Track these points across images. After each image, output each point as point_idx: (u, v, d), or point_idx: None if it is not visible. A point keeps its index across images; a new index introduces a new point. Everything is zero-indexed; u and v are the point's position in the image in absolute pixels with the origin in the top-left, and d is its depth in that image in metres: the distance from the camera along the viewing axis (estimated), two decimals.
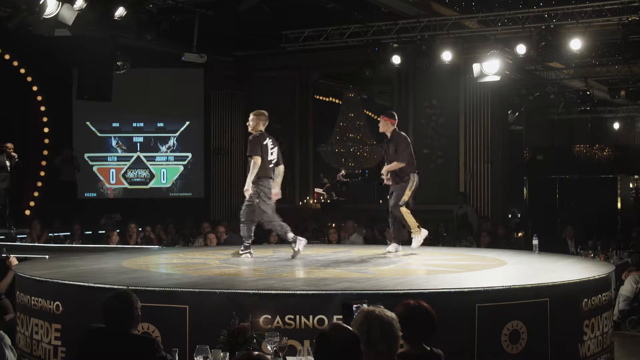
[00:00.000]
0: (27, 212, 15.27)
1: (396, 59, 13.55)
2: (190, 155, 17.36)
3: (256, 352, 3.37)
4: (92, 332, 4.42)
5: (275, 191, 8.21)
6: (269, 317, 5.30)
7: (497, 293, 5.64)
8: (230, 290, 5.59)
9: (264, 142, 8.11)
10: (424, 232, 8.46)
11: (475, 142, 15.18)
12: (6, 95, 14.80)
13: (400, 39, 13.69)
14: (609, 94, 18.72)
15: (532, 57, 13.39)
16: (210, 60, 14.43)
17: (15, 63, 15.39)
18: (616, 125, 24.00)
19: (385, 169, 8.50)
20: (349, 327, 3.42)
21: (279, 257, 8.36)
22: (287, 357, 4.45)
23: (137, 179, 17.23)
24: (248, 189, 8.03)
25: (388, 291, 5.62)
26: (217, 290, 5.57)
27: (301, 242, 8.09)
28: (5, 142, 12.95)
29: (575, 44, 12.18)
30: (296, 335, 5.13)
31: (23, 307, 6.47)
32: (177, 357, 4.48)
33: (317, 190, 17.72)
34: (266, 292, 5.58)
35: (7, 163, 12.81)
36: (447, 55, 13.01)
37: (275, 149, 8.25)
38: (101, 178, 17.05)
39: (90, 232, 13.50)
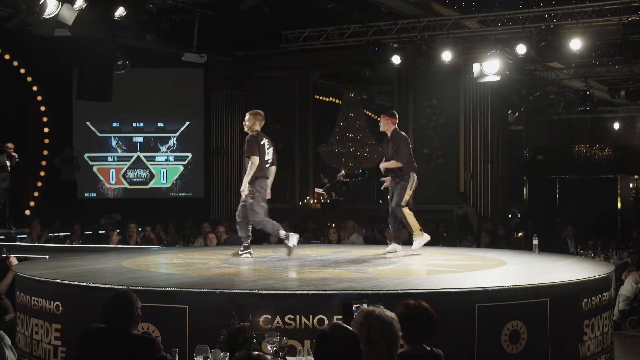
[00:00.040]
0: (27, 212, 15.27)
1: (396, 59, 13.55)
2: (190, 155, 17.36)
3: (256, 352, 3.37)
4: (92, 332, 4.42)
5: (267, 191, 8.21)
6: (269, 317, 5.30)
7: (497, 293, 5.64)
8: (230, 290, 5.60)
9: (261, 142, 8.13)
10: (426, 237, 8.42)
11: (475, 142, 15.18)
12: (6, 95, 14.81)
13: (400, 39, 13.69)
14: (609, 94, 18.72)
15: (532, 57, 13.39)
16: (210, 60, 14.44)
17: (15, 63, 15.40)
18: (616, 125, 24.00)
19: (383, 165, 8.51)
20: (349, 327, 3.42)
21: (279, 257, 8.36)
22: (287, 357, 4.45)
23: (137, 179, 17.23)
24: (244, 189, 8.03)
25: (388, 291, 5.62)
26: (217, 290, 5.57)
27: (294, 237, 8.12)
28: (5, 142, 12.95)
29: (575, 44, 12.18)
30: (296, 335, 5.13)
31: (23, 307, 6.47)
32: (177, 357, 4.48)
33: (317, 190, 17.72)
34: (266, 292, 5.58)
35: (8, 163, 12.81)
36: (447, 55, 13.01)
37: (271, 149, 8.27)
38: (101, 178, 17.06)
39: (90, 232, 13.50)
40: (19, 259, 7.83)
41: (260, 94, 16.90)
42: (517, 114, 18.77)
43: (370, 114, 19.98)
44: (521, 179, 21.18)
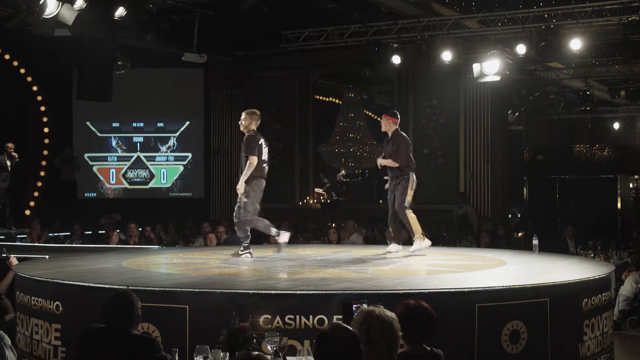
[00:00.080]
0: (27, 212, 15.27)
1: (396, 59, 13.55)
2: (190, 155, 17.36)
3: (256, 352, 3.37)
4: (92, 332, 4.42)
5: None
6: (269, 317, 5.30)
7: (497, 293, 5.64)
8: (230, 290, 5.59)
9: (260, 142, 8.13)
10: (427, 242, 8.39)
11: (475, 142, 15.18)
12: (6, 95, 14.80)
13: (400, 39, 13.69)
14: (609, 94, 18.72)
15: (532, 57, 13.38)
16: (210, 60, 14.43)
17: (15, 63, 15.40)
18: (616, 125, 23.99)
19: (380, 160, 8.51)
20: (349, 327, 3.42)
21: (279, 257, 8.36)
22: (287, 357, 4.45)
23: (137, 179, 17.23)
24: (240, 188, 8.03)
25: (388, 291, 5.62)
26: (217, 290, 5.57)
27: (285, 234, 8.18)
28: (5, 142, 12.95)
29: (575, 44, 12.18)
30: (296, 335, 5.13)
31: (23, 307, 6.47)
32: (177, 357, 4.48)
33: (317, 190, 17.72)
34: (266, 292, 5.58)
35: (8, 163, 12.82)
36: (447, 55, 13.01)
37: (266, 149, 8.28)
38: (101, 178, 17.06)
39: (90, 232, 13.50)
40: (19, 259, 7.83)
41: (260, 94, 16.90)
42: (517, 114, 18.77)
43: (370, 114, 19.97)
44: (521, 179, 21.18)
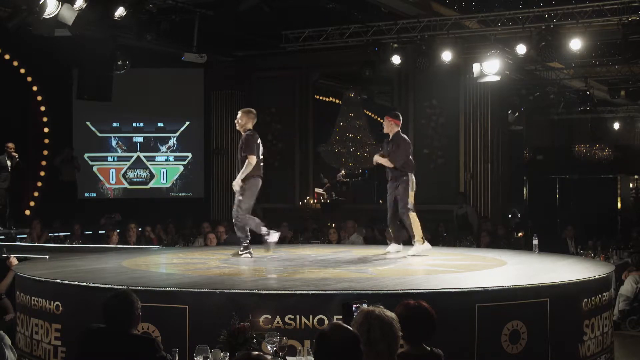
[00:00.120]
0: (27, 212, 15.27)
1: (396, 59, 13.55)
2: (190, 155, 17.37)
3: (256, 352, 3.37)
4: (92, 332, 4.42)
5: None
6: (269, 317, 5.30)
7: (497, 293, 5.64)
8: (230, 290, 5.59)
9: (257, 142, 8.14)
10: (427, 246, 8.38)
11: (475, 142, 15.18)
12: (6, 95, 14.80)
13: (400, 39, 13.69)
14: (609, 94, 18.72)
15: (532, 57, 13.39)
16: (210, 60, 14.43)
17: (15, 63, 15.40)
18: (616, 125, 24.00)
19: (376, 158, 8.51)
20: (349, 327, 3.42)
21: (279, 257, 8.36)
22: (287, 357, 4.45)
23: (137, 179, 17.23)
24: (236, 185, 8.03)
25: (388, 291, 5.61)
26: (217, 290, 5.57)
27: (275, 235, 8.18)
28: (5, 142, 12.95)
29: (575, 44, 12.18)
30: (296, 335, 5.12)
31: (23, 307, 6.47)
32: (177, 357, 4.48)
33: (317, 190, 17.72)
34: (266, 292, 5.58)
35: (8, 163, 12.81)
36: (447, 55, 13.01)
37: (262, 148, 8.29)
38: (101, 178, 17.06)
39: (90, 232, 13.51)
40: (19, 259, 7.83)
41: (260, 94, 16.90)
42: (517, 114, 18.77)
43: (370, 114, 19.98)
44: (521, 179, 21.18)
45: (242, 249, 8.16)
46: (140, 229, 12.26)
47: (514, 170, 17.82)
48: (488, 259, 8.20)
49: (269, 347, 4.38)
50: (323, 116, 18.04)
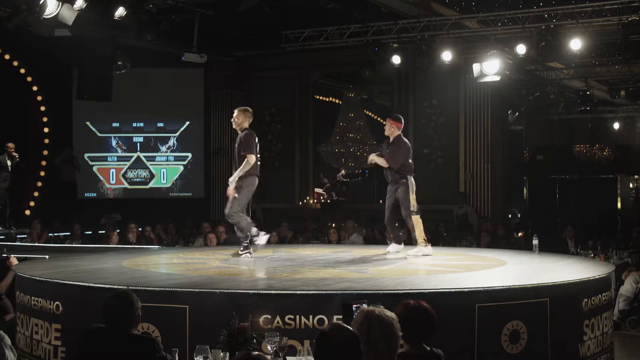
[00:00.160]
0: (27, 212, 15.27)
1: (396, 59, 13.54)
2: (190, 155, 17.36)
3: (256, 352, 3.37)
4: (92, 332, 4.42)
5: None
6: (269, 317, 5.30)
7: (497, 293, 5.64)
8: (230, 290, 5.59)
9: (256, 141, 8.15)
10: (429, 250, 8.37)
11: (475, 142, 15.18)
12: (6, 95, 14.80)
13: (400, 39, 13.69)
14: (609, 94, 18.72)
15: (532, 57, 13.38)
16: (210, 60, 14.43)
17: (15, 63, 15.40)
18: (616, 125, 24.00)
19: (372, 157, 8.51)
20: (349, 327, 3.42)
21: (279, 257, 8.37)
22: (287, 357, 4.46)
23: (137, 179, 17.23)
24: (233, 183, 8.02)
25: (388, 291, 5.62)
26: (217, 290, 5.57)
27: (264, 237, 8.16)
28: (5, 142, 12.95)
29: (575, 44, 12.18)
30: (296, 335, 5.13)
31: (23, 307, 6.47)
32: (177, 357, 4.48)
33: (317, 190, 17.72)
34: (266, 292, 5.59)
35: (9, 163, 12.82)
36: (447, 55, 13.00)
37: (258, 147, 8.30)
38: (101, 178, 17.06)
39: (90, 232, 13.51)
40: (19, 259, 7.83)
41: (260, 94, 16.90)
42: (517, 114, 18.77)
43: (370, 114, 19.98)
44: (521, 179, 21.18)
45: (242, 249, 8.16)
46: (140, 229, 12.26)
47: (514, 170, 17.82)
48: (488, 259, 8.20)
49: (269, 347, 4.38)
50: (323, 116, 18.04)
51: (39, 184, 15.81)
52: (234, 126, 8.32)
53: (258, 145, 8.26)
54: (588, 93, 17.30)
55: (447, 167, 15.34)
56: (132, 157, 17.17)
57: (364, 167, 18.37)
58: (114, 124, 17.09)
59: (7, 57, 15.14)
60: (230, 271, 7.08)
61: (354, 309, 4.11)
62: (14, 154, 12.89)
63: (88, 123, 16.86)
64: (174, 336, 5.32)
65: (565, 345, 5.95)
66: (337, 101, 19.48)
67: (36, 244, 11.29)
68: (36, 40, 10.87)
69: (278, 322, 5.29)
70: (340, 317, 4.37)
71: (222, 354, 4.40)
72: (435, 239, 11.72)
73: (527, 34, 12.53)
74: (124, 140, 17.16)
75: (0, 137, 13.23)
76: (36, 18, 9.27)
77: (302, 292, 5.52)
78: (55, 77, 15.72)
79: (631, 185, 21.80)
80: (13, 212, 13.12)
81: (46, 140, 16.00)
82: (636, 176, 21.88)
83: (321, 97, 19.24)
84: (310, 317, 5.29)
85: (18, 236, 12.16)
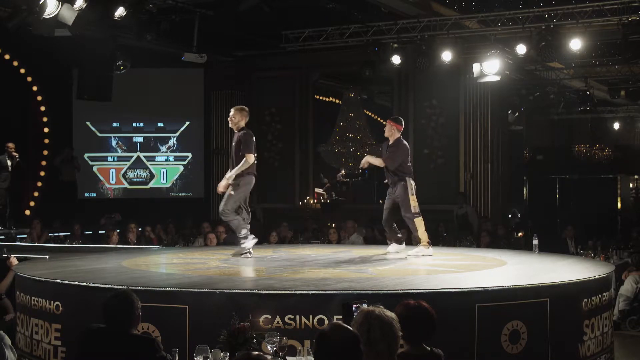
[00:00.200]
0: (27, 212, 15.27)
1: (396, 59, 13.54)
2: (190, 155, 17.36)
3: (256, 352, 3.37)
4: (92, 332, 4.42)
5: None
6: (269, 317, 5.30)
7: (497, 293, 5.64)
8: (230, 290, 5.59)
9: (253, 140, 8.16)
10: (430, 250, 8.37)
11: (475, 142, 15.18)
12: (6, 95, 14.80)
13: (400, 39, 13.69)
14: (609, 94, 18.72)
15: (532, 57, 13.38)
16: (210, 60, 14.43)
17: (15, 63, 15.40)
18: (616, 125, 24.00)
19: (368, 159, 8.50)
20: (349, 327, 3.42)
21: (279, 257, 8.37)
22: (287, 357, 4.46)
23: (137, 179, 17.23)
24: (230, 180, 8.01)
25: (388, 291, 5.61)
26: (217, 290, 5.57)
27: (251, 241, 8.11)
28: (5, 142, 12.95)
29: (575, 44, 12.18)
30: (296, 335, 5.13)
31: (23, 307, 6.46)
32: (177, 357, 4.49)
33: (317, 190, 17.72)
34: (266, 292, 5.58)
35: (9, 163, 12.82)
36: (447, 55, 13.01)
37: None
38: (101, 178, 17.06)
39: (90, 232, 13.50)
40: (19, 259, 7.83)
41: (260, 94, 16.90)
42: (517, 114, 18.76)
43: (370, 114, 19.98)
44: (521, 179, 21.18)
45: (253, 245, 8.17)
46: (140, 229, 12.26)
47: (514, 170, 17.82)
48: (488, 259, 8.20)
49: (269, 347, 4.38)
50: (323, 116, 18.04)
51: (39, 184, 15.81)
52: (230, 125, 8.33)
53: (255, 144, 8.27)
54: (588, 93, 17.30)
55: (447, 167, 15.34)
56: (132, 157, 17.17)
57: (364, 167, 18.35)
58: (114, 124, 17.09)
59: (7, 57, 15.14)
60: (230, 271, 7.08)
61: (354, 309, 4.11)
62: (14, 154, 12.89)
63: (88, 123, 16.86)
64: (174, 336, 5.32)
65: (565, 345, 5.95)
66: (337, 101, 19.48)
67: (36, 244, 11.29)
68: (36, 40, 10.87)
69: (278, 322, 5.29)
70: (340, 317, 4.37)
71: (222, 354, 4.41)
72: (435, 239, 11.71)
73: (527, 34, 12.53)
74: (124, 140, 17.16)
75: (0, 137, 13.23)
76: (36, 18, 9.27)
77: (302, 292, 5.52)
78: (55, 77, 15.71)
79: (631, 185, 21.80)
80: (13, 212, 13.12)
81: (46, 140, 16.00)
82: (636, 176, 21.88)
83: (321, 97, 19.25)
84: (310, 317, 5.29)
85: (18, 236, 12.16)
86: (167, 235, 13.22)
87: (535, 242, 8.91)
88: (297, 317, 5.30)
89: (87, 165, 16.76)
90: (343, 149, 17.12)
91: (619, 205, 20.74)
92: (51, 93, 15.93)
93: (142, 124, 17.19)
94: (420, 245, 8.32)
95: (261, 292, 5.57)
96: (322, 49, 14.97)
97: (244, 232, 8.10)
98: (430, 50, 12.98)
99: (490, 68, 12.79)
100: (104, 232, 12.61)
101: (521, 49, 12.48)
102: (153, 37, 12.04)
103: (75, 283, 6.02)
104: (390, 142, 8.42)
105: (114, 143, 17.12)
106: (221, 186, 8.24)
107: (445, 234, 13.50)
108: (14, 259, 7.69)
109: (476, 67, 12.99)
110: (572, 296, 6.08)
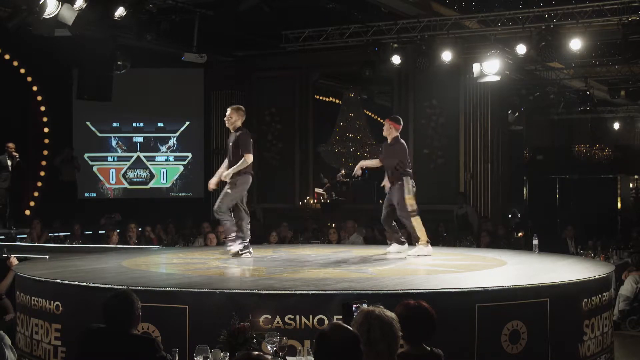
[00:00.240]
0: (27, 212, 15.26)
1: (396, 59, 13.54)
2: (190, 155, 17.36)
3: (256, 352, 3.37)
4: (92, 332, 4.42)
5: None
6: (269, 317, 5.30)
7: (497, 293, 5.64)
8: (230, 290, 5.59)
9: (251, 139, 8.17)
10: (429, 250, 8.36)
11: (475, 142, 15.18)
12: (6, 95, 14.80)
13: (400, 39, 13.69)
14: (609, 94, 18.72)
15: (532, 57, 13.38)
16: (210, 60, 14.43)
17: (15, 63, 15.39)
18: (616, 125, 24.01)
19: (360, 165, 8.52)
20: (349, 327, 3.42)
21: (279, 257, 8.37)
22: (287, 357, 4.46)
23: (137, 179, 17.23)
24: (227, 178, 8.01)
25: (388, 291, 5.61)
26: (217, 290, 5.57)
27: (237, 246, 8.06)
28: (5, 142, 12.96)
29: (575, 44, 12.18)
30: (296, 335, 5.12)
31: (23, 307, 6.47)
32: (177, 357, 4.48)
33: (317, 190, 17.72)
34: (266, 292, 5.58)
35: (9, 163, 12.82)
36: (447, 55, 13.01)
37: None
38: (101, 178, 17.06)
39: (90, 232, 13.50)
40: (19, 259, 7.83)
41: (260, 94, 16.90)
42: (517, 114, 18.77)
43: (370, 114, 19.98)
44: (521, 179, 21.18)
45: (242, 248, 8.15)
46: (140, 229, 12.26)
47: (514, 170, 17.82)
48: (488, 259, 8.20)
49: (269, 347, 4.38)
50: (323, 116, 18.04)
51: (39, 184, 15.81)
52: (227, 124, 8.35)
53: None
54: (588, 93, 17.30)
55: (447, 167, 15.34)
56: (132, 157, 17.17)
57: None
58: (114, 124, 17.09)
59: (7, 57, 15.13)
60: (230, 271, 7.08)
61: (354, 309, 4.10)
62: (14, 153, 12.90)
63: (88, 123, 16.86)
64: (174, 336, 5.32)
65: (565, 345, 5.95)
66: (337, 101, 19.49)
67: (36, 244, 11.30)
68: (36, 40, 10.87)
69: (278, 322, 5.29)
70: (340, 317, 4.36)
71: (222, 354, 4.40)
72: (435, 239, 11.71)
73: (527, 34, 12.53)
74: (124, 140, 17.16)
75: (0, 137, 13.23)
76: (36, 18, 9.27)
77: (302, 292, 5.52)
78: (55, 77, 15.71)
79: (631, 185, 21.80)
80: (13, 212, 13.13)
81: (46, 140, 16.00)
82: (636, 176, 21.88)
83: (321, 97, 19.25)
84: (310, 317, 5.29)
85: (18, 236, 12.16)
86: (167, 235, 13.22)
87: (535, 242, 8.91)
88: (297, 317, 5.30)
89: (87, 165, 16.76)
90: (343, 149, 17.12)
91: (619, 205, 20.74)
92: (51, 93, 15.93)
93: (142, 124, 17.19)
94: (419, 244, 8.32)
95: (261, 292, 5.56)
96: (322, 49, 14.97)
97: (232, 235, 8.08)
98: (430, 50, 12.98)
99: (490, 68, 12.79)
100: (104, 232, 12.61)
101: (521, 49, 12.48)
102: (153, 37, 12.04)
103: (75, 283, 6.02)
104: (389, 141, 8.43)
105: (114, 143, 17.12)
106: (212, 183, 8.25)
107: (445, 234, 13.50)
108: (14, 259, 7.70)
109: (476, 67, 12.99)
110: (572, 296, 6.08)
